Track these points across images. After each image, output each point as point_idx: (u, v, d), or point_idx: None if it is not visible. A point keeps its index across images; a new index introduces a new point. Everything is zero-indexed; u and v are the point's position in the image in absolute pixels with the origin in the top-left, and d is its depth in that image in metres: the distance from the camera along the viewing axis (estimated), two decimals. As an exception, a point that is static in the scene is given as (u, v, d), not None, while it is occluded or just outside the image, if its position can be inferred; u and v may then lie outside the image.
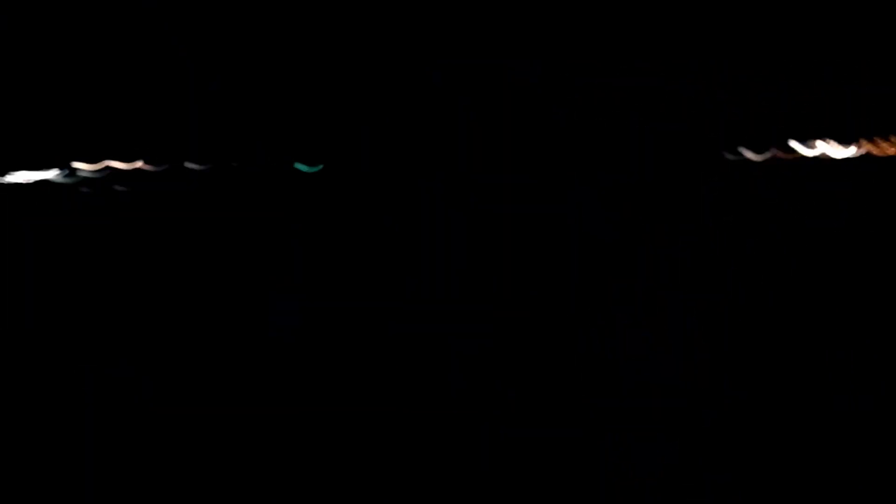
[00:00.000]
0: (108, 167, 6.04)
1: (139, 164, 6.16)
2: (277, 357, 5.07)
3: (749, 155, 5.85)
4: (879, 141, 6.18)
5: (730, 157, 6.15)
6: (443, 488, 3.76)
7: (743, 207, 6.60)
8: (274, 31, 6.83)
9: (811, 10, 6.53)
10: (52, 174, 6.11)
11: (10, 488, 3.63)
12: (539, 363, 4.97)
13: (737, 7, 6.57)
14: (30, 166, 6.10)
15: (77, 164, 6.02)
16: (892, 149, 6.00)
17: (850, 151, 6.12)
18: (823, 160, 6.22)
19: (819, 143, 6.02)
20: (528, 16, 6.53)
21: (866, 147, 6.10)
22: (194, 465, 3.87)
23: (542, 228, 6.25)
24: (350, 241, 6.22)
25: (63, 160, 6.17)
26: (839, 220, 6.39)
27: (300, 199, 6.68)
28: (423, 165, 6.74)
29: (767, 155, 6.02)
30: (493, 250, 6.10)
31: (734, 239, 6.35)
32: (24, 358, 5.02)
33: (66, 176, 6.04)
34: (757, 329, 5.27)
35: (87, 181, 6.15)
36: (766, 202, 6.59)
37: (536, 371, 4.90)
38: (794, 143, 5.94)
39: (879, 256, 6.04)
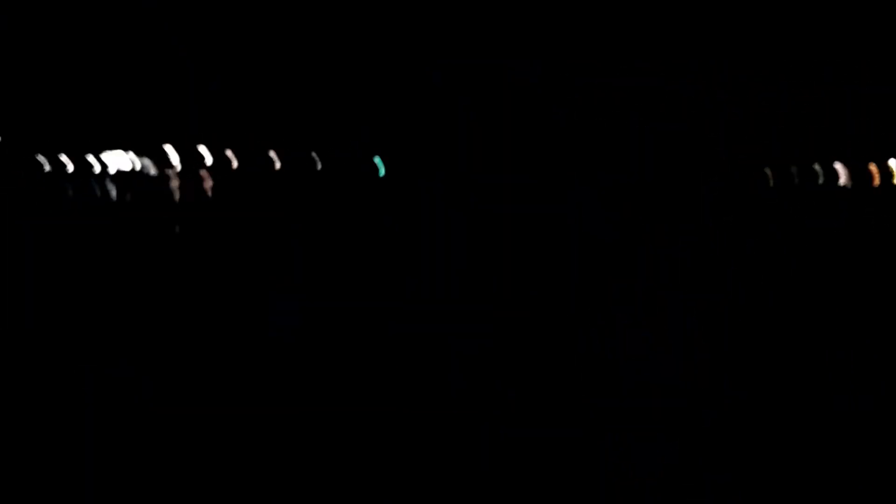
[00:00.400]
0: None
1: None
2: (277, 357, 5.07)
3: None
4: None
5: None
6: (443, 488, 3.76)
7: (743, 207, 6.61)
8: (274, 32, 6.84)
9: (811, 10, 6.54)
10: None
11: (10, 488, 3.63)
12: (539, 363, 4.97)
13: (737, 7, 6.58)
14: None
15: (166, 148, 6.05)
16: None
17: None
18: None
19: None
20: (528, 16, 6.54)
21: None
22: (194, 465, 3.87)
23: (542, 228, 6.25)
24: (350, 241, 6.23)
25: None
26: (839, 221, 6.40)
27: (300, 200, 6.68)
28: (423, 165, 6.75)
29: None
30: (493, 250, 6.10)
31: (734, 239, 6.36)
32: (24, 358, 5.03)
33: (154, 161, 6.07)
34: (757, 329, 5.27)
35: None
36: (766, 202, 6.59)
37: (536, 371, 4.90)
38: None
39: (879, 257, 6.04)
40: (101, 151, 6.41)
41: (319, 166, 6.72)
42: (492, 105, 6.49)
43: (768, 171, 6.27)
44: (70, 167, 6.38)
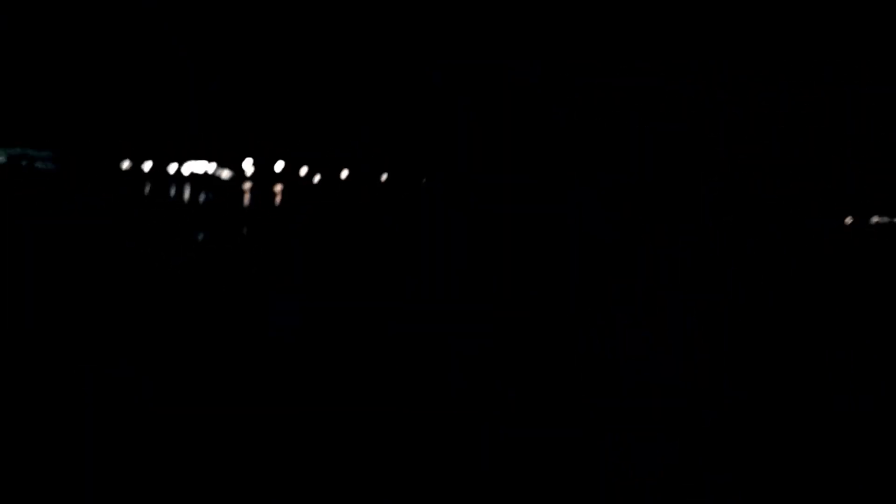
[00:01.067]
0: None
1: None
2: (277, 357, 5.07)
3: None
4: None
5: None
6: (443, 488, 3.76)
7: (743, 207, 6.62)
8: (275, 32, 6.85)
9: (811, 10, 6.55)
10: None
11: (10, 488, 3.63)
12: (539, 363, 4.97)
13: (737, 7, 6.59)
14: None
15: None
16: None
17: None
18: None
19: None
20: (528, 16, 6.54)
21: None
22: (194, 465, 3.87)
23: (542, 228, 6.25)
24: (350, 241, 6.22)
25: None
26: (838, 221, 6.40)
27: (300, 199, 6.69)
28: (423, 165, 6.75)
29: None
30: (493, 250, 6.10)
31: (734, 239, 6.36)
32: (25, 358, 5.02)
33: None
34: (757, 329, 5.27)
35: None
36: (765, 202, 6.61)
37: (536, 371, 4.90)
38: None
39: (879, 258, 6.04)
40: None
41: (320, 167, 6.73)
42: (492, 105, 6.49)
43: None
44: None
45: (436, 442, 4.11)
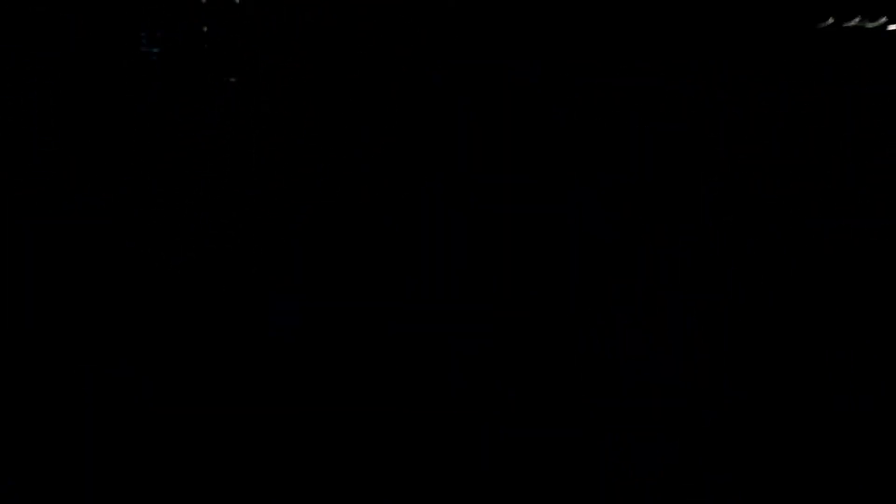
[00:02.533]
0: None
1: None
2: (277, 357, 5.07)
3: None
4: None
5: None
6: (443, 488, 3.76)
7: (743, 207, 6.61)
8: (274, 31, 6.84)
9: (811, 10, 6.53)
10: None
11: (10, 488, 3.63)
12: (539, 363, 4.97)
13: (737, 7, 6.57)
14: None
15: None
16: None
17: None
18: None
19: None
20: (528, 16, 6.53)
21: None
22: (194, 465, 3.87)
23: (542, 228, 6.25)
24: (350, 241, 6.23)
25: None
26: (839, 221, 6.40)
27: (300, 199, 6.69)
28: (423, 165, 6.74)
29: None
30: (493, 250, 6.10)
31: (734, 239, 6.36)
32: (25, 358, 5.02)
33: None
34: (757, 329, 5.27)
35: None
36: (766, 202, 6.60)
37: (536, 371, 4.90)
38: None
39: (880, 256, 6.05)
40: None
41: (319, 167, 6.71)
42: (492, 105, 6.48)
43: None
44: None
45: (436, 442, 4.11)
